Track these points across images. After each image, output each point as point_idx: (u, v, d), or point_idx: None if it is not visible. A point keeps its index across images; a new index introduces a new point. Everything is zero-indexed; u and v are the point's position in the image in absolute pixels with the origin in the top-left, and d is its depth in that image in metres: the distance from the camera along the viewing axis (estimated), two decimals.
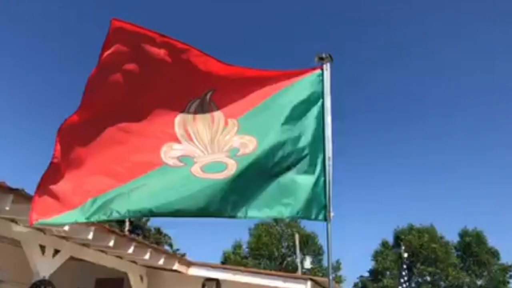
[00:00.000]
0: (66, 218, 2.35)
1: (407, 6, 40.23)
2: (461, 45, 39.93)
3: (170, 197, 2.24)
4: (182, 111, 2.59)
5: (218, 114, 2.65)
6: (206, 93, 2.63)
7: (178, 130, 2.56)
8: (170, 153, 2.49)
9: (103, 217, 2.26)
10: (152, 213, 2.20)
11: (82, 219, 2.31)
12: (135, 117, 2.54)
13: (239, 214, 2.33)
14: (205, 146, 2.54)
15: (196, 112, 2.61)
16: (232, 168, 2.37)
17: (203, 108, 2.62)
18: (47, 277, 4.87)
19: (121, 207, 2.22)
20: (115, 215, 2.23)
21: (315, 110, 2.69)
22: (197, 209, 2.23)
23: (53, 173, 2.35)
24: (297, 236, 21.24)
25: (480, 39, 39.21)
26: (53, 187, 2.33)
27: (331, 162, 2.61)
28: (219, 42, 41.66)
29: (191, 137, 2.56)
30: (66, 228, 4.74)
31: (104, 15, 39.80)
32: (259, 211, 2.37)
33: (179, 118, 2.58)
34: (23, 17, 37.01)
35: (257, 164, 2.42)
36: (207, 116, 2.62)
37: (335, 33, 39.74)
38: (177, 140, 2.53)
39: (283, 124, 2.57)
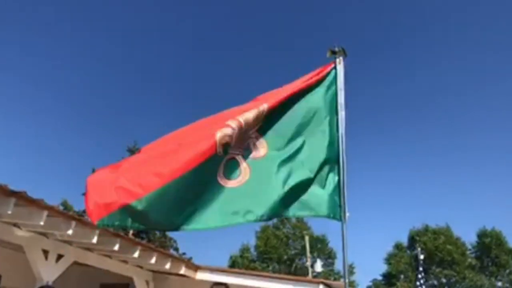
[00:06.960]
0: (118, 216, 2.20)
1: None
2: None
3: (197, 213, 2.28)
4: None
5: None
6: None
7: (230, 121, 2.41)
8: (222, 139, 2.34)
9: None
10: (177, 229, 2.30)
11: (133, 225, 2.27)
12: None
13: (256, 217, 2.34)
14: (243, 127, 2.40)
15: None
16: (245, 176, 2.40)
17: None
18: (50, 283, 4.78)
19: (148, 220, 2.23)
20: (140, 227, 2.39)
21: (328, 108, 2.65)
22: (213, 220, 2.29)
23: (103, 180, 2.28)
24: (307, 238, 20.90)
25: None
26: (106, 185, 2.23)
27: (345, 160, 2.53)
28: (223, 42, 41.84)
29: (240, 122, 2.41)
30: (70, 232, 4.64)
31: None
32: (276, 211, 2.39)
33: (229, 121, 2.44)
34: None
35: (270, 169, 2.43)
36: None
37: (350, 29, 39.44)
38: (227, 126, 2.38)
39: (297, 128, 2.57)
